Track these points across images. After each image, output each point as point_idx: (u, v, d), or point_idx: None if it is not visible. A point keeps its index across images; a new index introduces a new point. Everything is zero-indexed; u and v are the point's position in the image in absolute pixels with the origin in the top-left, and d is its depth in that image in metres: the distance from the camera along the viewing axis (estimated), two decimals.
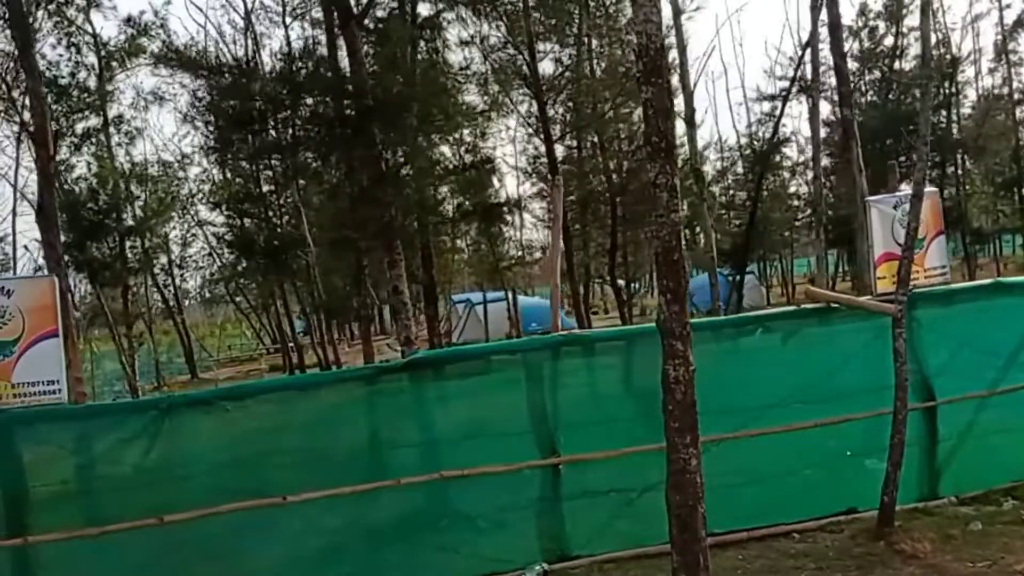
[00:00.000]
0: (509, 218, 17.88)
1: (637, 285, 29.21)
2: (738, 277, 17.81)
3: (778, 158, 25.50)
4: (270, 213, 27.41)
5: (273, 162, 27.69)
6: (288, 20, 27.17)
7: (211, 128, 27.68)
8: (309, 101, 10.63)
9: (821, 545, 6.14)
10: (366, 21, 11.22)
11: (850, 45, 25.60)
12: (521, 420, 5.92)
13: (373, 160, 9.65)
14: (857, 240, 12.62)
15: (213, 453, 5.43)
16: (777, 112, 21.59)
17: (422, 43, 12.64)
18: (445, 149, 14.52)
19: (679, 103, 14.62)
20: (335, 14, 11.30)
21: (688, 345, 3.85)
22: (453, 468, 5.66)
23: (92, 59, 21.77)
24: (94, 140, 22.94)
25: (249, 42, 26.96)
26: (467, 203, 14.81)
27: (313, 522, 5.56)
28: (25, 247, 23.97)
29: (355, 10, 10.07)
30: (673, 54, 15.03)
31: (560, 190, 6.21)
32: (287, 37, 27.15)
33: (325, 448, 5.64)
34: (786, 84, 27.04)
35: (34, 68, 9.69)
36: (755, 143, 30.44)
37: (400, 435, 5.79)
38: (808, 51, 16.70)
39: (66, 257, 23.88)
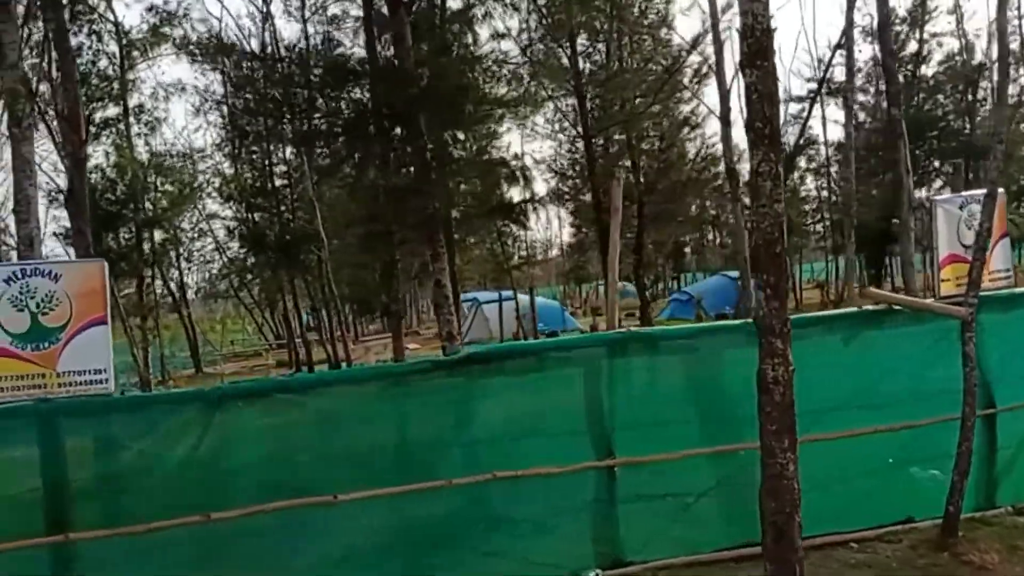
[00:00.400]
0: (534, 215, 17.66)
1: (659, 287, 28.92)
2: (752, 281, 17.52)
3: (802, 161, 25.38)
4: (282, 208, 27.24)
5: (290, 154, 27.58)
6: (307, 14, 27.06)
7: (230, 119, 27.58)
8: (353, 89, 10.36)
9: (882, 556, 5.94)
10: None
11: (876, 49, 25.50)
12: (577, 420, 5.73)
13: (419, 150, 9.42)
14: (902, 242, 12.38)
15: (263, 448, 5.22)
16: (804, 113, 21.41)
17: (450, 36, 12.41)
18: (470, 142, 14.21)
19: (715, 102, 14.45)
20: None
21: (788, 343, 3.66)
22: (506, 469, 5.45)
23: (112, 47, 21.59)
24: (113, 129, 22.71)
25: (266, 35, 26.84)
26: (494, 198, 14.56)
27: (360, 522, 5.36)
28: (55, 234, 23.75)
29: None
30: (708, 51, 14.91)
31: (619, 184, 6.01)
32: (304, 31, 27.03)
33: (375, 445, 5.44)
34: (812, 85, 27.07)
35: (68, 50, 9.45)
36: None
37: (452, 433, 5.59)
38: (840, 52, 16.44)
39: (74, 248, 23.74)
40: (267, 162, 27.76)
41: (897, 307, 6.50)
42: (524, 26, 11.81)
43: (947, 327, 6.23)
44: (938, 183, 28.64)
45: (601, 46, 16.51)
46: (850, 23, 14.91)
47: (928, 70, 27.45)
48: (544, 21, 12.92)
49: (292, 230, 26.23)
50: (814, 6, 55.82)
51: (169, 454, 5.02)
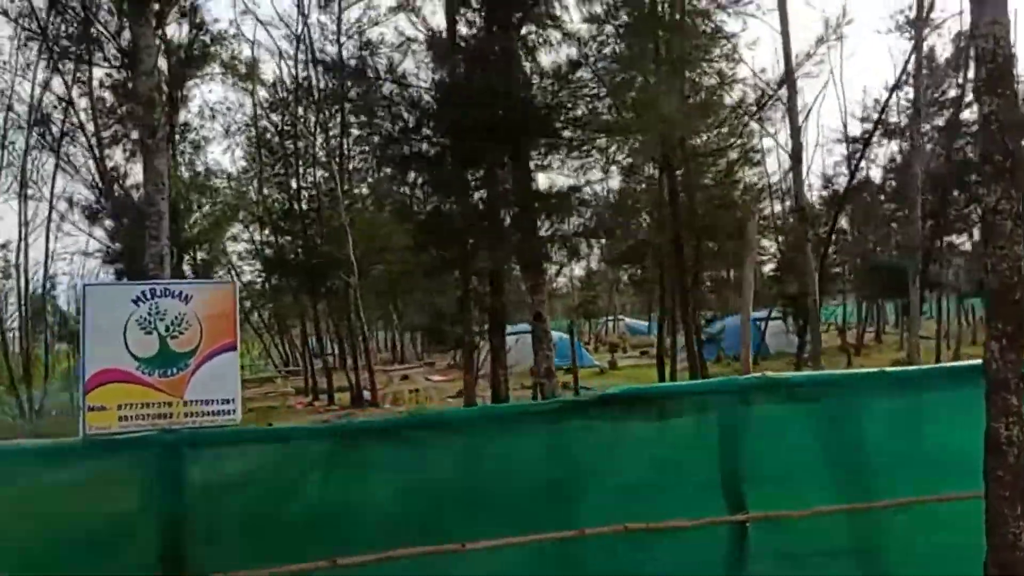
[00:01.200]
0: (588, 248, 17.38)
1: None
2: (803, 322, 17.27)
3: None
4: (310, 232, 27.02)
5: (320, 177, 27.34)
6: (343, 39, 27.18)
7: (259, 140, 27.44)
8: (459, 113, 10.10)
9: None
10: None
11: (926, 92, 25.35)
12: (709, 469, 5.39)
13: (523, 177, 9.15)
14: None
15: (391, 489, 4.88)
16: (856, 154, 21.24)
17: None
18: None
19: (786, 139, 14.24)
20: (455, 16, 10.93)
21: None
22: (637, 519, 5.10)
23: (161, 64, 21.47)
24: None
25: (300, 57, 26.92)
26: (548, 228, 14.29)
27: (486, 569, 5.01)
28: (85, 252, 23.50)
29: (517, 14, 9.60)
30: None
31: (755, 218, 5.73)
32: (340, 55, 27.11)
33: (505, 489, 5.08)
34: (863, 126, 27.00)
35: (153, 71, 9.15)
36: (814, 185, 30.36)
37: (583, 479, 5.23)
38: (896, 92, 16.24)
39: (114, 267, 23.50)
40: (297, 184, 27.66)
41: None
42: (597, 53, 11.65)
43: None
44: (977, 231, 28.47)
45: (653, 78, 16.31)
46: (919, 64, 14.67)
47: (972, 115, 27.29)
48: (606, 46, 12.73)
49: (320, 254, 25.99)
50: (841, 54, 55.49)
51: (294, 492, 4.68)
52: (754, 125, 18.02)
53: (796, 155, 14.44)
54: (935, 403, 5.81)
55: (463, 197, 10.92)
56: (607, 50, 11.38)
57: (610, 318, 66.39)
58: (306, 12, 27.55)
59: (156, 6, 8.60)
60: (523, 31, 10.61)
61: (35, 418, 21.99)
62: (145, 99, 7.95)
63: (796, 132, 14.40)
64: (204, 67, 22.40)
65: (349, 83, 16.99)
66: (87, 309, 4.39)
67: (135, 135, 20.59)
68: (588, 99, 10.64)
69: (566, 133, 10.21)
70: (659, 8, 14.23)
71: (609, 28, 11.68)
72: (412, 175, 11.72)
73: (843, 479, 5.71)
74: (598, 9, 11.71)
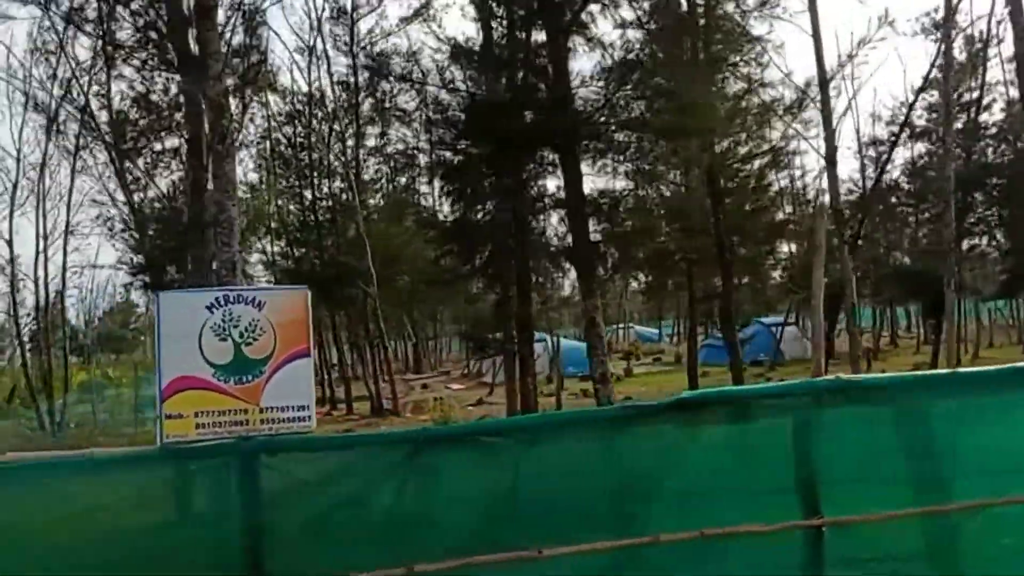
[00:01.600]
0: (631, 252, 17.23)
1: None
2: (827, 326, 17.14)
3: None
4: (327, 243, 27.00)
5: (337, 187, 27.37)
6: (356, 49, 27.26)
7: (274, 152, 27.26)
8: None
9: None
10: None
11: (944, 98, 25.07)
12: (783, 474, 5.31)
13: (575, 182, 9.08)
14: None
15: (464, 495, 4.81)
16: (882, 156, 21.17)
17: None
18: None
19: (820, 142, 14.18)
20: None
21: None
22: (712, 525, 5.02)
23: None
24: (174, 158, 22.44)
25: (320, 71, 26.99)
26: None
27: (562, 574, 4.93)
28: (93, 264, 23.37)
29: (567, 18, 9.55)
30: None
31: (824, 219, 5.66)
32: (354, 66, 27.17)
33: (577, 495, 5.01)
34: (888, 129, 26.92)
35: (221, 76, 9.02)
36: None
37: (656, 485, 5.16)
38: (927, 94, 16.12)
39: (137, 279, 23.50)
40: (312, 195, 27.67)
41: None
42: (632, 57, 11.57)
43: None
44: (998, 233, 28.30)
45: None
46: (947, 67, 14.55)
47: (991, 117, 27.28)
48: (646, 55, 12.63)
49: (337, 265, 25.95)
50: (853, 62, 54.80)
51: (370, 499, 4.63)
52: (786, 128, 18.01)
53: (831, 158, 14.25)
54: (1006, 404, 5.73)
55: (502, 204, 10.84)
56: (644, 55, 11.31)
57: (620, 326, 66.37)
58: (319, 25, 27.66)
59: (220, 13, 8.56)
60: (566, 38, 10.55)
61: (56, 431, 21.96)
62: (215, 105, 7.91)
63: (831, 135, 14.21)
64: (260, 77, 22.41)
65: (390, 89, 16.80)
66: (161, 316, 4.32)
67: (157, 146, 20.68)
68: (628, 101, 10.55)
69: (618, 137, 10.15)
70: (694, 13, 14.24)
71: (641, 34, 11.65)
72: (439, 182, 11.73)
73: (916, 481, 5.63)
74: (628, 15, 11.69)
